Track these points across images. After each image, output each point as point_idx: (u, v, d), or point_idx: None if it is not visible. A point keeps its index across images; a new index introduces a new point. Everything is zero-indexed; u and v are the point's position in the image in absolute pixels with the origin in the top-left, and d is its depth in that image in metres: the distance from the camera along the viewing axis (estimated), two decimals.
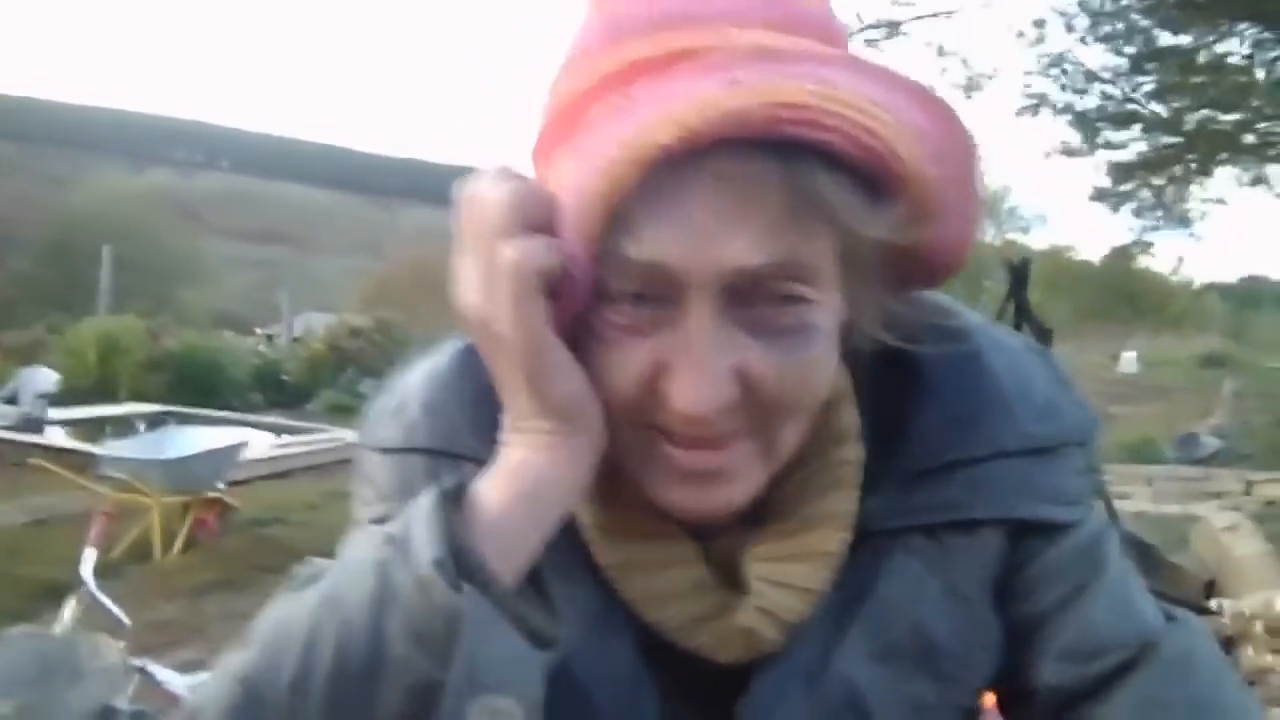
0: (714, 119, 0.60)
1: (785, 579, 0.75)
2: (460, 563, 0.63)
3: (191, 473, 7.69)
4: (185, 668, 4.03)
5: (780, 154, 0.63)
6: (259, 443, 11.06)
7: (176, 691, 3.42)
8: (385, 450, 0.87)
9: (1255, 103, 17.04)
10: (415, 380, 0.89)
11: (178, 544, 7.51)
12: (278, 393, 17.96)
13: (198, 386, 16.32)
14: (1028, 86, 17.50)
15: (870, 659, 0.77)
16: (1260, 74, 16.79)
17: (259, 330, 28.74)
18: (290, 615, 0.67)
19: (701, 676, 0.78)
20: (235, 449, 8.46)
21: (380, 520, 0.78)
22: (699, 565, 0.78)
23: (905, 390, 0.80)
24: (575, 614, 0.77)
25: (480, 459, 0.75)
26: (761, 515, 0.77)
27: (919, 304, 0.81)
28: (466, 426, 0.82)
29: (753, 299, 0.66)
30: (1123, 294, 41.37)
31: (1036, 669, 0.80)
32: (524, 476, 0.68)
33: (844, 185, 0.65)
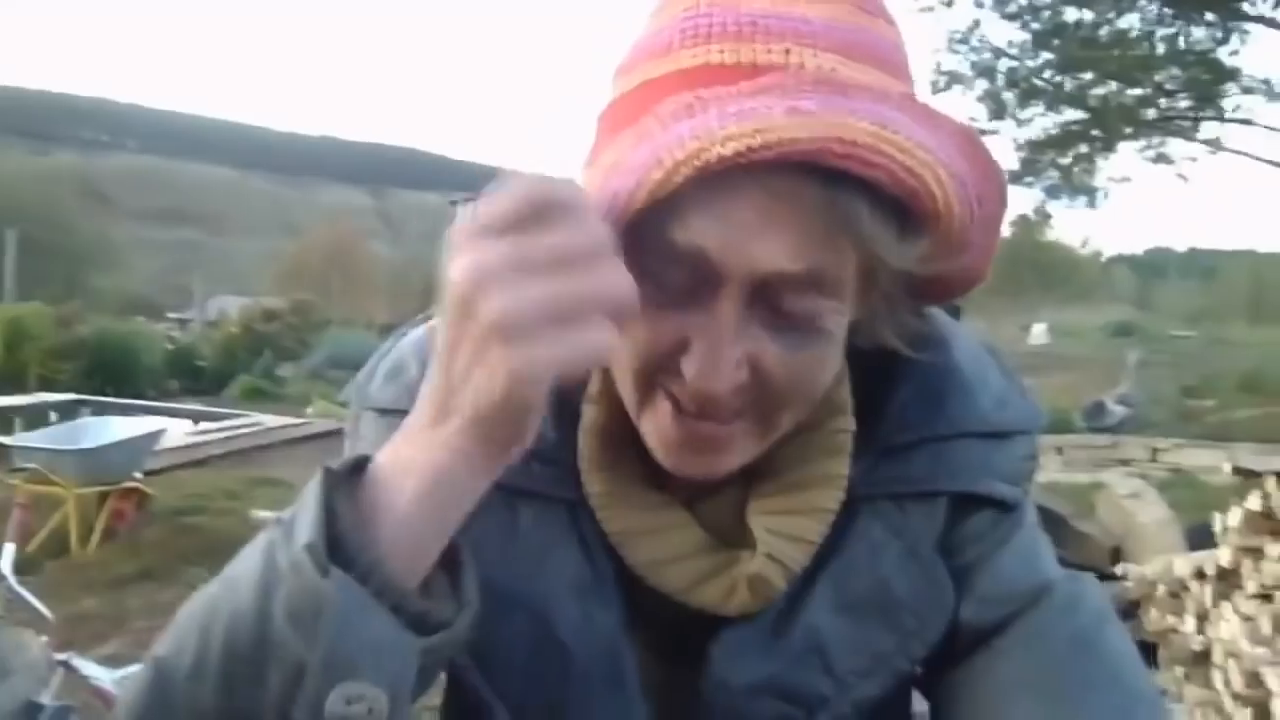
0: (772, 142, 0.64)
1: (789, 530, 0.82)
2: (335, 547, 0.62)
3: (107, 463, 7.56)
4: (109, 661, 3.98)
5: (826, 178, 0.67)
6: (175, 430, 10.92)
7: (102, 686, 3.41)
8: (383, 411, 0.88)
9: (1157, 77, 17.38)
10: (413, 342, 0.92)
11: (95, 536, 7.39)
12: (193, 378, 17.78)
13: (110, 374, 16.09)
14: (938, 65, 17.73)
15: (834, 610, 0.85)
16: (1161, 49, 17.12)
17: (172, 315, 28.18)
18: (199, 596, 0.69)
19: (680, 638, 0.85)
20: (151, 437, 8.33)
21: None
22: (696, 528, 0.84)
23: (882, 372, 0.87)
24: (563, 584, 0.83)
25: None
26: (751, 478, 0.84)
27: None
28: None
29: (776, 299, 0.71)
30: (1032, 267, 42.00)
31: (958, 612, 0.87)
32: (431, 478, 0.65)
33: (878, 216, 0.69)
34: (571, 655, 0.82)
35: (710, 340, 0.71)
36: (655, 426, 0.77)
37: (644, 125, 0.70)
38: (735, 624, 0.83)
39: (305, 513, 0.64)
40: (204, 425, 12.56)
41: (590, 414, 0.85)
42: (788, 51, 0.70)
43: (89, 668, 3.48)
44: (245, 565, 0.66)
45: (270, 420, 13.40)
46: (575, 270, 0.61)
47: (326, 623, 0.59)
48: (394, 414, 0.85)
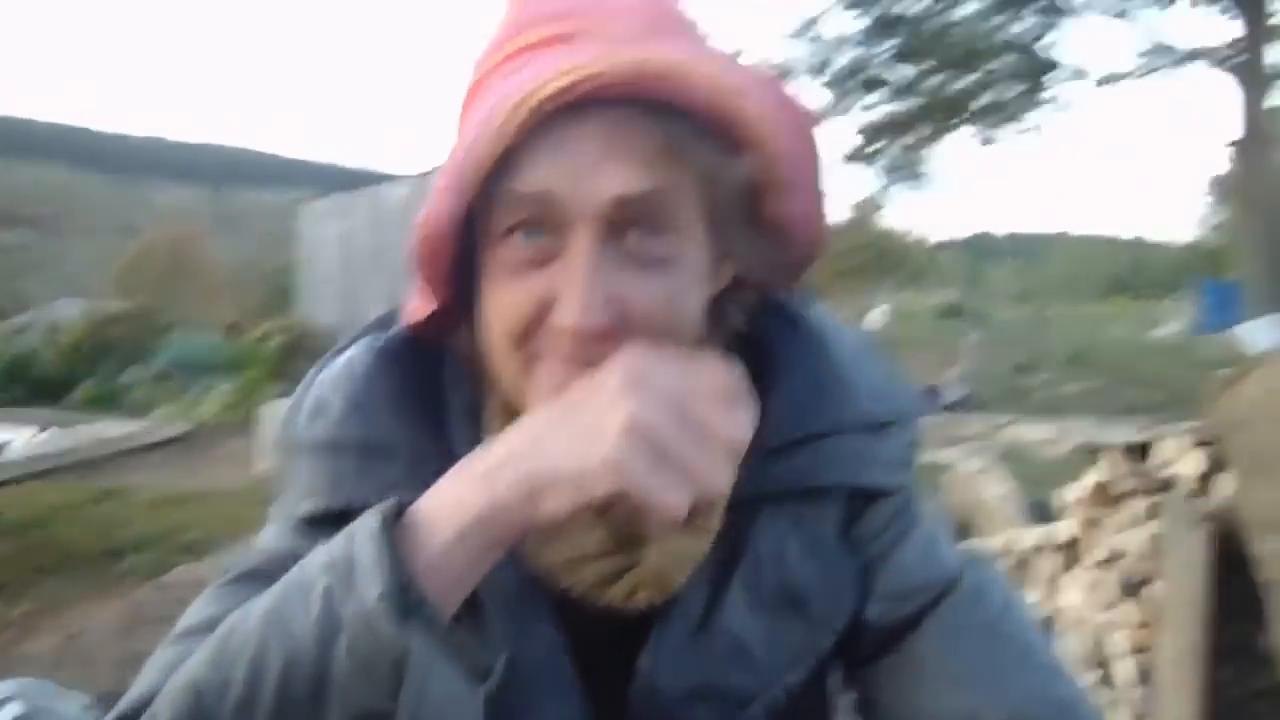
0: (591, 74, 0.70)
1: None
2: (404, 597, 0.65)
3: None
4: None
5: (650, 109, 0.73)
6: (18, 441, 10.64)
7: None
8: (312, 447, 0.89)
9: (988, 67, 17.92)
10: (332, 378, 0.92)
11: None
12: (34, 386, 17.12)
13: None
14: (781, 52, 18.00)
15: (749, 610, 0.87)
16: (990, 40, 17.65)
17: (8, 320, 27.01)
18: (240, 627, 0.69)
19: (605, 639, 0.86)
20: None
21: (316, 518, 0.85)
22: (599, 530, 0.85)
23: (758, 372, 0.85)
24: (498, 597, 0.80)
25: (413, 451, 0.85)
26: None
27: (768, 294, 0.92)
28: (397, 423, 0.87)
29: (626, 238, 0.75)
30: (868, 253, 42.75)
31: (863, 610, 0.91)
32: (476, 515, 0.68)
33: (703, 137, 0.75)
34: (513, 665, 0.76)
35: (573, 279, 0.73)
36: (543, 390, 0.77)
37: (475, 103, 0.79)
38: (659, 633, 0.86)
39: (367, 557, 0.66)
40: (49, 434, 12.21)
41: (495, 423, 0.87)
42: (598, 21, 0.78)
43: None
44: (295, 607, 0.67)
45: (116, 428, 13.09)
46: (709, 433, 0.67)
47: (410, 680, 0.64)
48: (325, 449, 0.88)
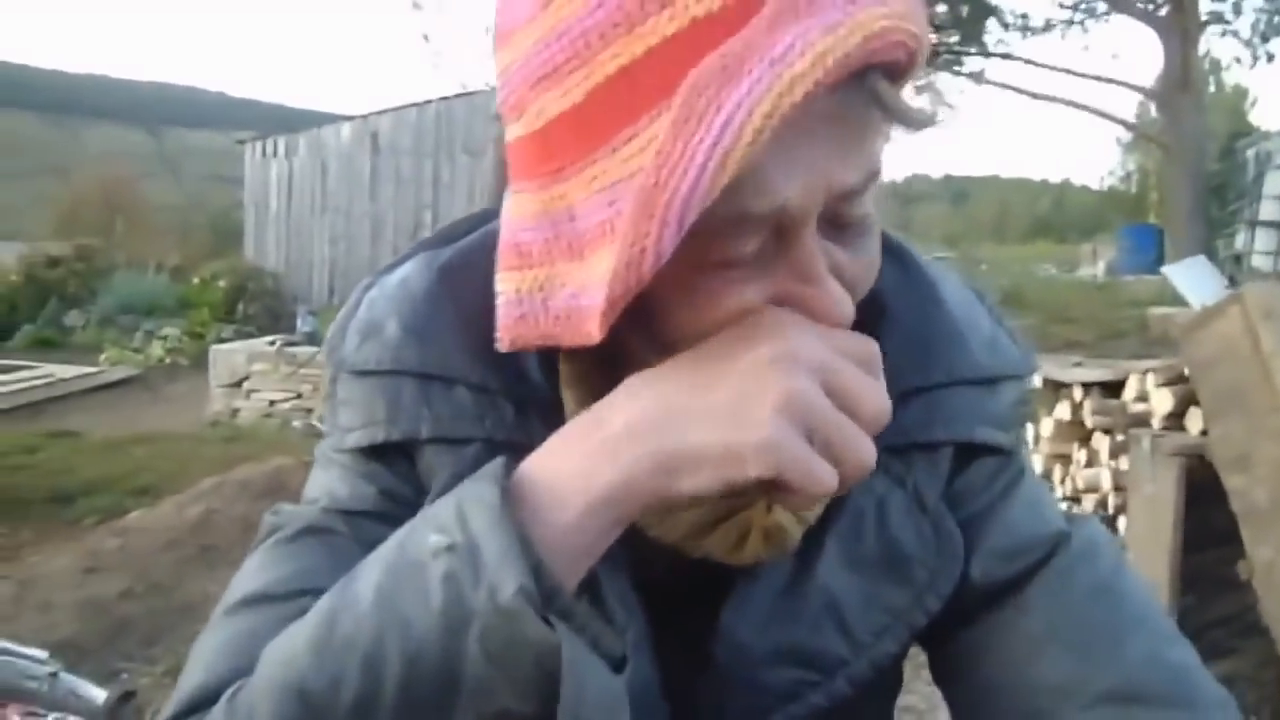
0: (833, 69, 0.57)
1: None
2: (540, 586, 0.60)
3: None
4: None
5: (859, 77, 0.60)
6: None
7: None
8: (364, 373, 0.82)
9: (928, 12, 18.16)
10: (385, 297, 0.84)
11: None
12: None
13: None
14: None
15: (845, 568, 0.81)
16: None
17: None
18: (342, 614, 0.64)
19: (680, 593, 0.81)
20: None
21: (377, 448, 0.80)
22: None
23: (871, 321, 0.78)
24: None
25: (473, 383, 0.78)
26: None
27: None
28: (460, 351, 0.80)
29: (840, 211, 0.67)
30: None
31: (967, 568, 0.84)
32: (604, 492, 0.63)
33: (894, 89, 0.64)
34: None
35: (812, 281, 0.67)
36: None
37: (681, 112, 0.58)
38: (746, 588, 0.80)
39: (493, 542, 0.61)
40: None
41: (569, 368, 0.79)
42: None
43: None
44: (409, 594, 0.62)
45: (62, 370, 12.88)
46: (858, 407, 0.63)
47: (570, 680, 0.58)
48: (373, 375, 0.81)
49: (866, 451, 0.63)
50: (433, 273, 0.84)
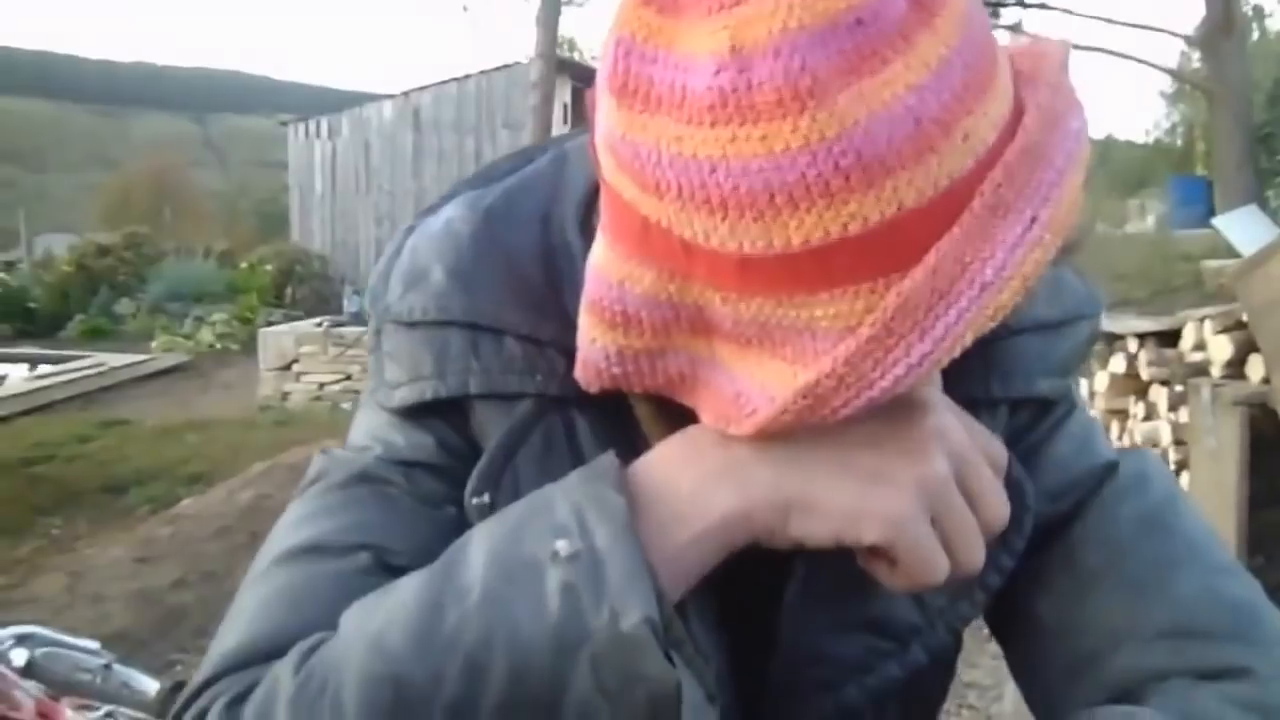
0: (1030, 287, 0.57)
1: None
2: (664, 617, 0.57)
3: None
4: None
5: None
6: (13, 376, 10.54)
7: None
8: (411, 324, 0.77)
9: None
10: (428, 241, 0.80)
11: None
12: (26, 321, 17.05)
13: None
14: None
15: None
16: None
17: None
18: (450, 607, 0.59)
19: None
20: None
21: (427, 405, 0.76)
22: None
23: None
24: None
25: (523, 334, 0.74)
26: None
27: None
28: (507, 299, 0.76)
29: None
30: None
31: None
32: (721, 519, 0.62)
33: None
34: None
35: None
36: None
37: (880, 329, 0.55)
38: (807, 557, 0.73)
39: (618, 563, 0.57)
40: (43, 369, 12.11)
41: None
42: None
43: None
44: (523, 599, 0.58)
45: (113, 359, 12.97)
46: (982, 507, 0.62)
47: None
48: (421, 326, 0.77)
49: (979, 554, 0.62)
50: (478, 215, 0.80)
